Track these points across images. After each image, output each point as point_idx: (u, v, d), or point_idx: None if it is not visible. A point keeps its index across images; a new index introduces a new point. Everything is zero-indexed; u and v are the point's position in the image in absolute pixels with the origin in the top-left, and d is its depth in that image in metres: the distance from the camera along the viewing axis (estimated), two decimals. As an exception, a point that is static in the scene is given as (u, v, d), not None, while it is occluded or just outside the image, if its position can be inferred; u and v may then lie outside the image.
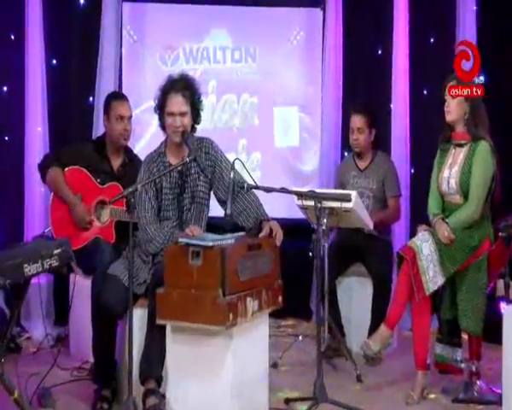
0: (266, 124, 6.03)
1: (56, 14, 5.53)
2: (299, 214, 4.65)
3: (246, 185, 3.71)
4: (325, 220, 4.44)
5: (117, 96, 4.72)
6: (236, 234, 3.68)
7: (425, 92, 5.81)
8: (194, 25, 5.97)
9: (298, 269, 5.45)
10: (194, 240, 3.39)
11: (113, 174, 4.62)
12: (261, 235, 3.70)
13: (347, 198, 4.29)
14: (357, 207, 4.42)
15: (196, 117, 3.91)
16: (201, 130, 5.82)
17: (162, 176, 3.78)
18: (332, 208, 4.38)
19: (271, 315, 5.64)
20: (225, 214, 3.59)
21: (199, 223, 3.88)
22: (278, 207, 5.30)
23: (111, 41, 5.45)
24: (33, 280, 4.91)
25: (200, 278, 3.35)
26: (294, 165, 6.05)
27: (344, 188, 5.07)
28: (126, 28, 5.86)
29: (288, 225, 5.01)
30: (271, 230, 3.71)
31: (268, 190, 3.74)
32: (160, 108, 3.84)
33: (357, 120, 5.02)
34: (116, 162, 4.66)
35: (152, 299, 3.55)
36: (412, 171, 5.73)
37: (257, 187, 3.74)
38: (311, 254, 5.05)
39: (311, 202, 4.07)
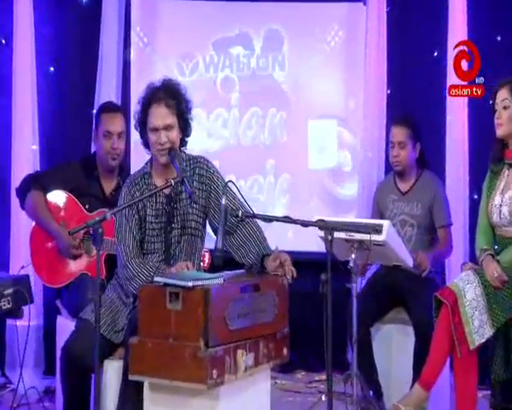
0: (298, 141, 5.86)
1: (52, 14, 5.49)
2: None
3: (241, 213, 3.50)
4: (353, 256, 4.22)
5: (107, 108, 4.60)
6: (232, 272, 3.50)
7: (491, 102, 5.49)
8: (215, 26, 5.85)
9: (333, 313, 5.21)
10: (171, 279, 3.20)
11: (104, 199, 4.50)
12: (271, 267, 3.50)
13: (377, 229, 4.03)
14: (392, 240, 4.16)
15: (185, 129, 3.74)
16: (223, 148, 5.78)
17: (141, 200, 3.61)
18: (361, 241, 4.13)
19: (303, 369, 5.59)
20: (215, 249, 3.39)
21: (190, 258, 3.70)
22: (310, 240, 5.11)
23: (112, 44, 5.35)
24: (13, 322, 4.92)
25: (178, 325, 3.15)
26: (332, 189, 5.84)
27: (382, 214, 4.86)
28: (135, 29, 5.77)
29: (321, 262, 4.84)
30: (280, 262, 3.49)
31: (267, 219, 3.54)
32: (142, 124, 3.68)
33: (397, 133, 4.79)
34: (109, 185, 4.54)
35: (127, 350, 3.37)
36: (475, 196, 5.42)
37: (254, 215, 3.54)
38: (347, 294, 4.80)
39: (337, 234, 3.88)
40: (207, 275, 3.35)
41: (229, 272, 3.47)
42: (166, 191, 3.67)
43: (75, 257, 4.40)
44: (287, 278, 3.49)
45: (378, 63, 5.47)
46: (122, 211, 3.66)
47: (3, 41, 5.46)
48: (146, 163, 3.81)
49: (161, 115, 3.63)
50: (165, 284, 3.20)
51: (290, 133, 5.85)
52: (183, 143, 3.77)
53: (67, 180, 4.49)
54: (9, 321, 5.09)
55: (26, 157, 5.28)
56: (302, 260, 5.00)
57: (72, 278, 4.40)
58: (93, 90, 5.41)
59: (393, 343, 4.71)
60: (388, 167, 5.39)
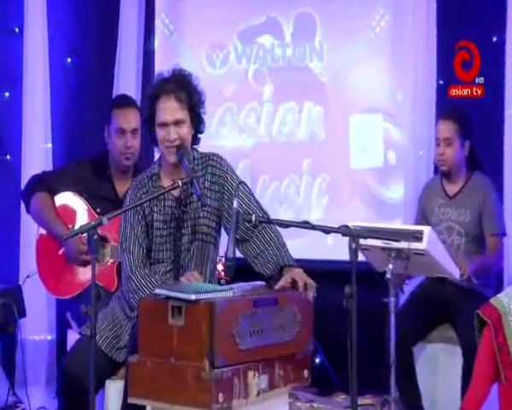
0: (338, 138, 5.76)
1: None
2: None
3: (254, 218, 3.39)
4: (390, 266, 4.10)
5: (119, 102, 4.56)
6: (249, 284, 3.44)
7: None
8: (246, 13, 5.82)
9: (374, 329, 5.09)
10: (174, 291, 3.11)
11: (117, 202, 4.43)
12: (277, 286, 3.38)
13: (417, 236, 3.90)
14: (434, 249, 4.02)
15: (198, 124, 3.66)
16: (255, 145, 5.70)
17: (146, 203, 3.55)
18: (399, 250, 4.01)
19: (344, 391, 5.44)
20: (226, 257, 3.29)
21: (202, 268, 3.63)
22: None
23: (132, 31, 5.34)
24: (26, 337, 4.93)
25: (181, 343, 3.06)
26: (376, 191, 5.72)
27: (427, 220, 4.75)
28: (160, 16, 5.77)
29: (367, 273, 4.72)
30: (294, 280, 3.38)
31: (284, 224, 3.43)
32: (150, 119, 3.61)
33: (443, 129, 4.68)
34: (122, 187, 4.49)
35: (127, 369, 3.31)
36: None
37: (268, 220, 3.43)
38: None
39: (372, 242, 3.82)
40: (217, 287, 3.29)
41: (244, 284, 3.40)
42: (175, 194, 3.60)
43: (84, 264, 4.36)
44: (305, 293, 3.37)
45: (428, 51, 5.32)
46: (127, 217, 3.60)
47: (17, 29, 5.46)
48: (154, 163, 3.75)
49: (171, 109, 3.54)
50: (167, 297, 3.13)
51: (329, 130, 5.76)
52: (195, 140, 3.69)
53: (76, 181, 4.47)
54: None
55: (38, 156, 5.28)
56: (345, 271, 4.93)
57: (82, 289, 4.37)
58: (112, 83, 5.39)
59: (440, 365, 4.63)
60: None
